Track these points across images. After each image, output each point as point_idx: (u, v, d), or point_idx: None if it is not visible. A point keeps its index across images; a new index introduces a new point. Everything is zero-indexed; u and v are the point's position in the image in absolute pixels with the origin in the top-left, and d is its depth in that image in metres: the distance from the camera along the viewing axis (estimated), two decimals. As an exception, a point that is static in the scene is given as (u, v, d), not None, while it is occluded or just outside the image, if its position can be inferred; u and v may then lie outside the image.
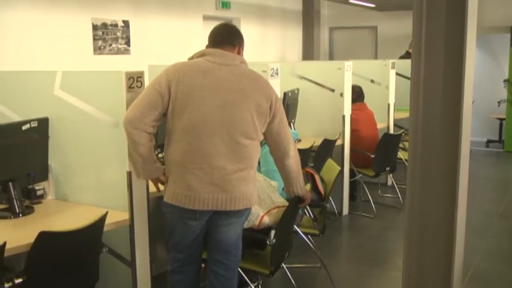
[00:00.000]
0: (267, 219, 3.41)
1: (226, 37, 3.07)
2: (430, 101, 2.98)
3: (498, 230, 5.81)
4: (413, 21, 3.00)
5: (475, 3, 2.90)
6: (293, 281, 4.08)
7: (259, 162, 3.63)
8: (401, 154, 6.56)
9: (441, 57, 2.92)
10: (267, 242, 3.39)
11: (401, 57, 8.53)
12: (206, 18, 8.53)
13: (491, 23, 10.24)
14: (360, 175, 6.16)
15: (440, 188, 3.00)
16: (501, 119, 10.40)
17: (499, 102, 9.82)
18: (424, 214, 3.08)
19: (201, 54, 3.02)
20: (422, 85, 3.00)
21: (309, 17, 11.09)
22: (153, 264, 3.37)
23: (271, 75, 4.57)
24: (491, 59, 11.07)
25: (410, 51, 2.91)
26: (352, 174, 6.11)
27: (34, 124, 3.30)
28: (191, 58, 3.06)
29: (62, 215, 3.28)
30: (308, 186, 3.80)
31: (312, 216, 4.24)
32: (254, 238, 3.46)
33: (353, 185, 6.25)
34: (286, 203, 3.45)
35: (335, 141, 5.56)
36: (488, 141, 10.67)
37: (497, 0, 10.22)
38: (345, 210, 6.01)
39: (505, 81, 9.95)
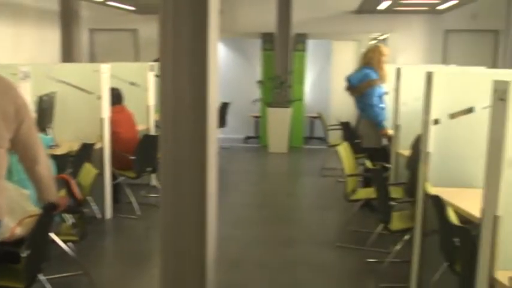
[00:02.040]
0: (19, 230, 3.25)
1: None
2: (179, 102, 3.11)
3: (257, 219, 6.25)
4: (159, 26, 3.12)
5: (216, 12, 3.10)
6: (53, 292, 3.95)
7: (9, 171, 3.45)
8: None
9: (187, 60, 3.07)
10: (21, 254, 3.24)
11: (155, 61, 8.69)
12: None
13: (244, 28, 10.98)
14: (122, 177, 6.16)
15: (192, 185, 3.15)
16: (257, 117, 11.22)
17: (253, 102, 10.52)
18: (177, 210, 3.21)
19: None
20: (170, 87, 3.12)
21: (67, 18, 10.72)
22: None
23: (21, 79, 4.36)
24: (246, 61, 11.88)
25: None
26: (114, 177, 6.09)
27: None
28: None
29: None
30: (62, 192, 3.70)
31: (72, 222, 4.14)
32: (6, 252, 3.27)
33: (116, 188, 6.22)
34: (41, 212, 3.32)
35: (94, 144, 5.49)
36: (247, 138, 11.44)
37: (249, 9, 11.00)
38: (109, 214, 5.96)
39: (258, 82, 10.71)
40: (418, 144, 4.21)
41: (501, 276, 2.49)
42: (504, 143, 2.45)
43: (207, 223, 3.19)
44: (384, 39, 10.98)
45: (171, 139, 3.15)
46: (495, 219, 2.53)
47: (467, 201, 3.35)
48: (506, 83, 2.43)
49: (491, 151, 2.59)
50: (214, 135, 3.19)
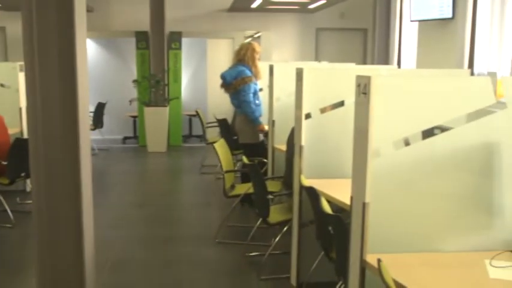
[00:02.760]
0: None
1: None
2: (47, 104, 3.02)
3: (137, 218, 6.20)
4: (22, 24, 2.99)
5: (83, 8, 3.03)
6: None
7: None
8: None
9: (53, 59, 2.98)
10: None
11: None
12: None
13: (117, 27, 10.81)
14: (-6, 184, 5.87)
15: (65, 188, 3.07)
16: (134, 117, 11.06)
17: (130, 101, 10.35)
18: (51, 215, 3.11)
19: None
20: (37, 88, 3.02)
21: None
22: None
23: None
24: (122, 61, 11.67)
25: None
26: (-16, 184, 5.78)
27: None
28: None
29: None
30: None
31: None
32: None
33: (-13, 196, 5.91)
34: None
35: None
36: (125, 138, 11.25)
37: (122, 7, 10.83)
38: (-20, 224, 5.66)
39: (134, 81, 10.54)
40: (292, 138, 4.36)
41: (371, 258, 2.64)
42: (368, 135, 2.61)
43: (83, 226, 3.12)
44: (258, 37, 11.19)
45: (41, 142, 3.05)
46: (364, 206, 2.68)
47: (339, 190, 3.52)
48: (367, 77, 2.58)
49: (357, 142, 2.74)
50: (87, 135, 3.13)
